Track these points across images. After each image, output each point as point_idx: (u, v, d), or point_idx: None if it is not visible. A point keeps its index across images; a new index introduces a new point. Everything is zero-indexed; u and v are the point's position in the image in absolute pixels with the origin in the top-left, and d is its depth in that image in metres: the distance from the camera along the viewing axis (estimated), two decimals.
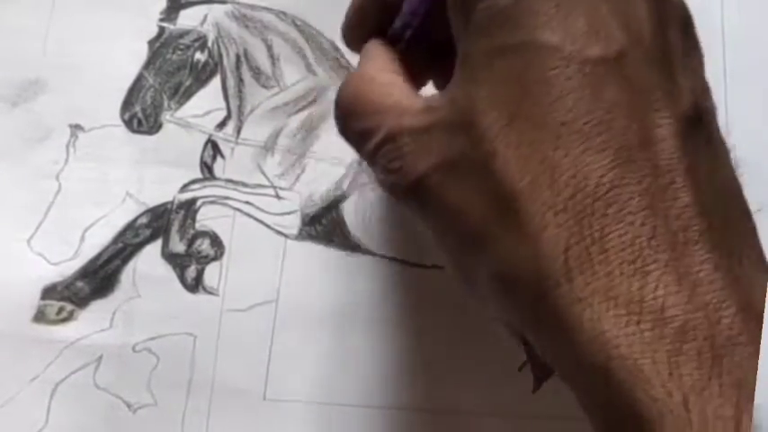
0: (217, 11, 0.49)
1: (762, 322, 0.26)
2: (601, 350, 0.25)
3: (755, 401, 0.28)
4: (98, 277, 0.44)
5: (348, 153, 0.45)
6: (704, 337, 0.25)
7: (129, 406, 0.42)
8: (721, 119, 0.44)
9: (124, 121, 0.47)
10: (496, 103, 0.28)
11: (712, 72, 0.45)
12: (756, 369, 0.25)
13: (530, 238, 0.27)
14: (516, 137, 0.28)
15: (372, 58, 0.36)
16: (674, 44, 0.30)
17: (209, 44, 0.48)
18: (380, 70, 0.35)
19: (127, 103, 0.47)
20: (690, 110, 0.29)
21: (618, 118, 0.27)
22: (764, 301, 0.26)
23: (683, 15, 0.32)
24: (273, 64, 0.48)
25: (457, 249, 0.30)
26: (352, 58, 0.47)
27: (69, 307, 0.43)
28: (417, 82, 0.35)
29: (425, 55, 0.37)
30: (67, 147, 0.46)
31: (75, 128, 0.46)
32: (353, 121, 0.34)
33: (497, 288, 0.28)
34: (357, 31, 0.38)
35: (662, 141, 0.27)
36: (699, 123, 0.29)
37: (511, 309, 0.28)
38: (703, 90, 0.31)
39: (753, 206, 0.30)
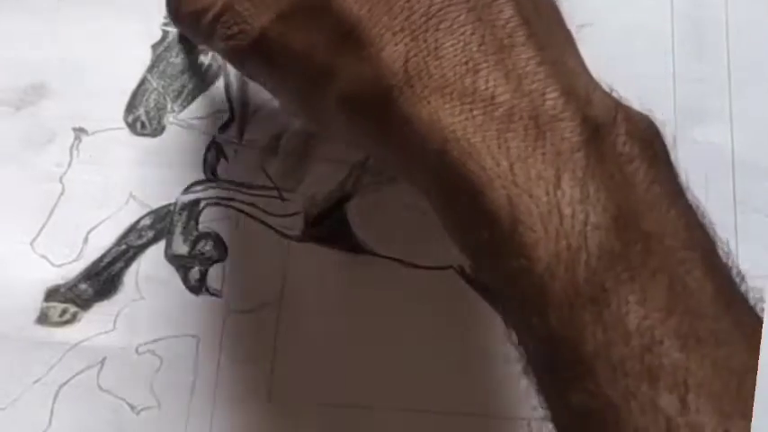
0: None
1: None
2: (438, 136, 0.28)
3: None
4: (101, 279, 0.44)
5: (351, 154, 0.45)
6: (529, 117, 0.28)
7: (132, 408, 0.42)
8: (725, 115, 0.45)
9: (128, 123, 0.47)
10: None
11: (716, 67, 0.46)
12: (575, 143, 0.27)
13: (372, 59, 0.29)
14: None
15: None
16: None
17: None
18: None
19: (130, 106, 0.47)
20: None
21: None
22: (586, 88, 0.29)
23: None
24: None
25: (305, 89, 0.33)
26: None
27: (72, 309, 0.43)
28: None
29: None
30: (71, 150, 0.46)
31: (79, 131, 0.46)
32: (187, 4, 0.36)
33: (346, 111, 0.31)
34: None
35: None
36: None
37: (359, 128, 0.31)
38: None
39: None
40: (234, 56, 0.35)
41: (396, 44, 0.29)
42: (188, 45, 0.47)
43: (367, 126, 0.31)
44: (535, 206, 0.27)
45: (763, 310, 0.31)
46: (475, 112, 0.28)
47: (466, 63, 0.29)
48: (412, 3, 0.29)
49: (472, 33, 0.29)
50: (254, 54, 0.33)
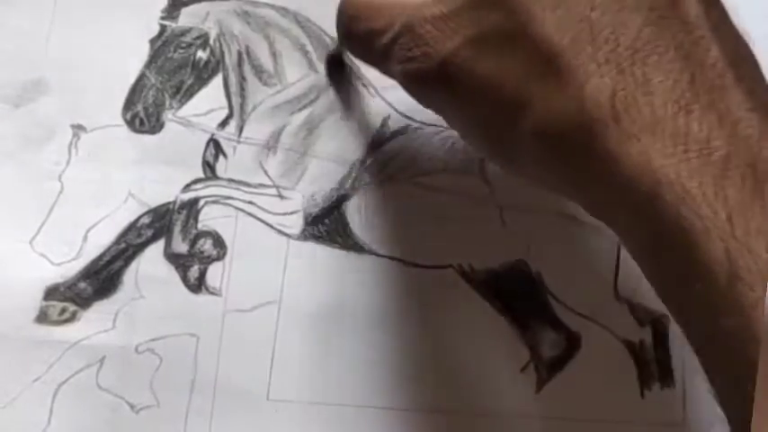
0: (218, 8, 0.49)
1: None
2: (649, 178, 0.27)
3: None
4: (101, 278, 0.44)
5: (351, 152, 0.45)
6: (746, 164, 0.26)
7: (131, 407, 0.42)
8: None
9: (126, 120, 0.46)
10: None
11: None
12: None
13: (575, 90, 0.28)
14: (552, 1, 0.29)
15: None
16: None
17: (211, 42, 0.48)
18: None
19: (129, 103, 0.47)
20: None
21: None
22: None
23: None
24: (275, 61, 0.47)
25: (491, 119, 0.31)
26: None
27: (72, 308, 0.43)
28: None
29: None
30: (70, 147, 0.46)
31: (78, 128, 0.46)
32: (361, 22, 0.35)
33: (541, 146, 0.29)
34: None
35: (687, 2, 0.29)
36: None
37: (553, 164, 0.30)
38: None
39: None
40: (412, 80, 0.34)
41: (601, 76, 0.28)
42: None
43: (563, 162, 0.29)
44: (754, 263, 0.25)
45: None
46: (690, 155, 0.27)
47: (677, 101, 0.27)
48: (617, 34, 0.28)
49: (681, 71, 0.28)
50: (437, 79, 0.32)
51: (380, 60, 0.35)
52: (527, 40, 0.29)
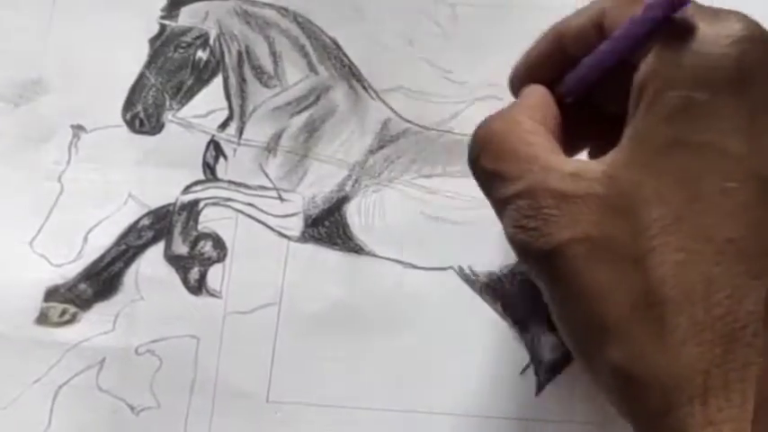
0: (218, 8, 0.49)
1: None
2: None
3: None
4: (101, 279, 0.44)
5: (351, 154, 0.45)
6: None
7: (131, 408, 0.42)
8: None
9: (126, 121, 0.46)
10: (665, 200, 0.28)
11: None
12: None
13: (670, 348, 0.26)
14: (678, 241, 0.27)
15: (526, 101, 0.35)
16: None
17: (211, 42, 0.48)
18: (530, 116, 0.33)
19: (129, 104, 0.47)
20: None
21: None
22: None
23: None
24: (275, 62, 0.47)
25: (585, 332, 0.29)
26: (355, 56, 0.47)
27: (72, 309, 0.43)
28: (569, 145, 0.34)
29: (585, 119, 0.36)
30: (69, 147, 0.46)
31: (77, 128, 0.46)
32: (488, 159, 0.33)
33: (621, 383, 0.28)
34: (526, 82, 0.37)
35: None
36: None
37: (623, 406, 0.28)
38: None
39: None
40: (518, 248, 0.31)
41: (700, 343, 0.26)
42: None
43: (632, 410, 0.28)
44: None
45: None
46: None
47: None
48: (732, 300, 0.26)
49: None
50: (542, 261, 0.30)
51: (496, 206, 0.32)
52: (641, 271, 0.27)
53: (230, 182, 0.45)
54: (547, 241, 0.29)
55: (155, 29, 0.48)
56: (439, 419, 0.42)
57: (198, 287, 0.44)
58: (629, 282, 0.28)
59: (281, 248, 0.44)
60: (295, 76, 0.47)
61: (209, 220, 0.45)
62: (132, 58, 0.48)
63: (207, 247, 0.44)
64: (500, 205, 0.32)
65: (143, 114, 0.46)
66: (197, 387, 0.42)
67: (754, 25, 0.29)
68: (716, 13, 0.30)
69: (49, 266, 0.44)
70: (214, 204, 0.45)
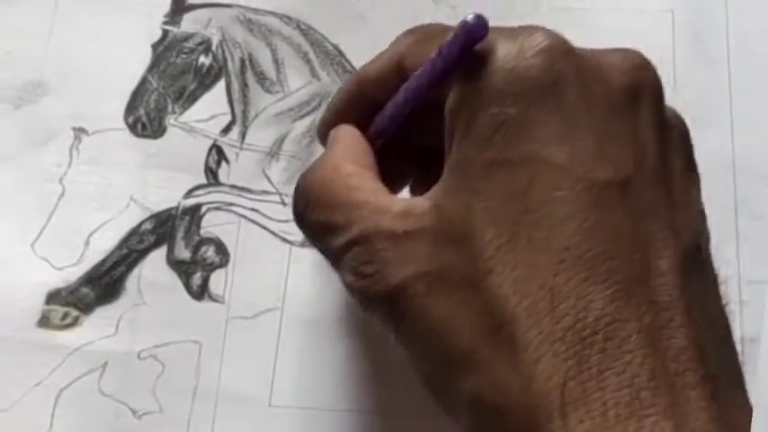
0: (221, 14, 0.49)
1: None
2: None
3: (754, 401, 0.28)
4: (103, 283, 0.44)
5: None
6: None
7: (134, 413, 0.42)
8: (726, 121, 0.45)
9: (128, 124, 0.46)
10: (496, 219, 0.27)
11: (717, 74, 0.46)
12: None
13: (524, 367, 0.26)
14: (515, 257, 0.27)
15: (340, 145, 0.35)
16: (676, 171, 0.30)
17: (214, 48, 0.48)
18: (348, 159, 0.33)
19: (131, 107, 0.47)
20: (690, 242, 0.29)
21: (621, 247, 0.27)
22: None
23: (685, 139, 0.31)
24: (278, 69, 0.48)
25: (435, 367, 0.29)
26: (357, 63, 0.47)
27: (74, 312, 0.43)
28: (389, 184, 0.33)
29: (403, 157, 0.36)
30: (71, 150, 0.46)
31: (79, 131, 0.46)
32: (315, 211, 0.32)
33: (479, 413, 0.27)
34: (331, 128, 0.37)
35: (662, 276, 0.27)
36: (697, 255, 0.29)
37: None
38: (702, 217, 0.31)
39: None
40: (359, 297, 0.31)
41: (554, 356, 0.25)
42: None
43: None
44: None
45: None
46: None
47: (630, 404, 0.24)
48: (578, 308, 0.26)
49: (642, 363, 0.25)
50: (384, 305, 0.30)
51: (332, 260, 0.32)
52: (482, 295, 0.27)
53: (233, 186, 0.45)
54: (386, 283, 0.29)
55: (157, 34, 0.48)
56: (442, 422, 0.42)
57: (200, 292, 0.44)
58: (472, 308, 0.27)
59: (283, 253, 0.44)
60: (297, 82, 0.47)
61: (212, 224, 0.45)
62: (134, 62, 0.48)
63: (209, 252, 0.44)
64: (336, 257, 0.31)
65: (145, 118, 0.46)
66: (199, 392, 0.42)
67: (554, 35, 0.29)
68: (515, 31, 0.30)
69: (51, 269, 0.44)
70: (216, 209, 0.45)
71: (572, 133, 0.28)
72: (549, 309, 0.26)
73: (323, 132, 0.37)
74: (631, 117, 0.29)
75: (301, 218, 0.33)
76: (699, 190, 0.32)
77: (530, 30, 0.30)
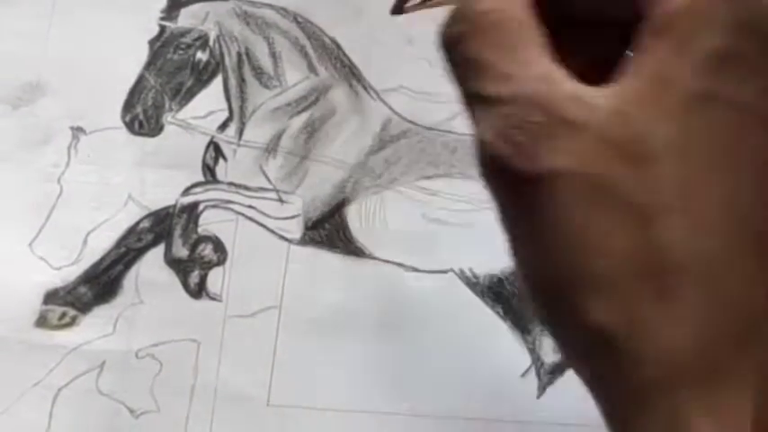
0: (218, 8, 0.48)
1: None
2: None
3: None
4: (101, 282, 0.44)
5: (351, 155, 0.45)
6: None
7: (131, 412, 0.42)
8: None
9: (125, 123, 0.46)
10: (689, 157, 0.25)
11: None
12: None
13: (675, 320, 0.24)
14: (697, 207, 0.25)
15: None
16: None
17: (211, 43, 0.48)
18: (518, 2, 0.28)
19: (128, 105, 0.46)
20: None
21: None
22: None
23: None
24: (275, 63, 0.47)
25: (557, 278, 0.26)
26: (355, 57, 0.47)
27: (72, 312, 0.43)
28: None
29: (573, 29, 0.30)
30: (69, 149, 0.46)
31: (77, 130, 0.46)
32: (472, 43, 0.27)
33: (596, 347, 0.25)
34: None
35: None
36: None
37: (603, 376, 0.25)
38: None
39: None
40: (496, 164, 0.26)
41: (712, 326, 0.24)
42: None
43: (613, 382, 0.25)
44: None
45: None
46: None
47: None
48: (746, 297, 0.24)
49: None
50: (523, 186, 0.26)
51: (471, 100, 0.27)
52: (651, 230, 0.24)
53: (230, 184, 0.45)
54: (533, 163, 0.25)
55: (154, 30, 0.48)
56: (440, 422, 0.42)
57: (198, 290, 0.43)
58: (631, 236, 0.24)
59: (281, 251, 0.44)
60: (295, 77, 0.47)
61: (209, 222, 0.44)
62: (132, 60, 0.47)
63: (207, 251, 0.44)
64: (477, 102, 0.27)
65: (142, 116, 0.46)
66: (197, 390, 0.42)
67: None
68: None
69: (49, 269, 0.44)
70: (214, 207, 0.45)
71: None
72: (717, 276, 0.24)
73: None
74: None
75: (452, 42, 0.28)
76: None
77: None
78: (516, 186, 0.26)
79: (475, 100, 0.27)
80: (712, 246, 0.24)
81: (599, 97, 0.25)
